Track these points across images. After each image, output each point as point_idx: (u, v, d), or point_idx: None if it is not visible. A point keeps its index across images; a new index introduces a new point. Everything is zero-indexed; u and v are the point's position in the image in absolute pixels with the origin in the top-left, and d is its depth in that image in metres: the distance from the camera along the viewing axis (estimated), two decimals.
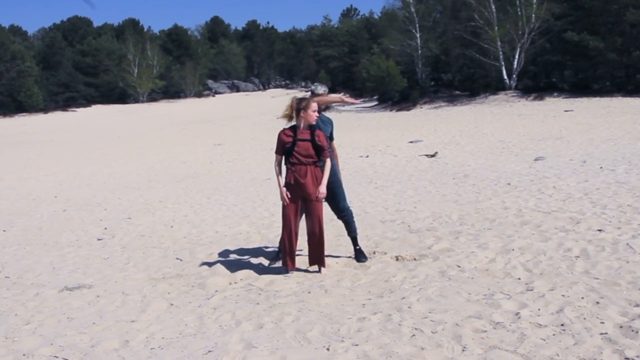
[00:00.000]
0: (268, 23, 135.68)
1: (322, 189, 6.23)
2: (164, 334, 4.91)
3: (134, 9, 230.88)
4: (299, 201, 6.28)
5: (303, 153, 6.20)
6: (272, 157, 6.79)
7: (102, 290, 6.38)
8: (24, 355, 4.67)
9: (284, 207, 6.31)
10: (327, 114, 7.41)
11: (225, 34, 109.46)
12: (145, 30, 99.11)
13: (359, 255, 6.75)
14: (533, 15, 35.60)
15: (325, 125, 6.73)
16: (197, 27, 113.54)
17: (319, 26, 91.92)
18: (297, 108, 6.22)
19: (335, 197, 6.68)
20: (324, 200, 6.37)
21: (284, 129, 6.31)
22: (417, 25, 45.37)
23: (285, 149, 6.24)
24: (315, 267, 6.43)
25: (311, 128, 6.26)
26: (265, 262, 6.99)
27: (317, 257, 6.37)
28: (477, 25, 37.06)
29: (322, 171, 6.28)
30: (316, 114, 6.25)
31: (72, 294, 6.30)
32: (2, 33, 73.26)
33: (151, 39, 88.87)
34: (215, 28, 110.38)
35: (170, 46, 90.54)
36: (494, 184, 11.14)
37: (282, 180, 6.28)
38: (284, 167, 6.36)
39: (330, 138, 6.80)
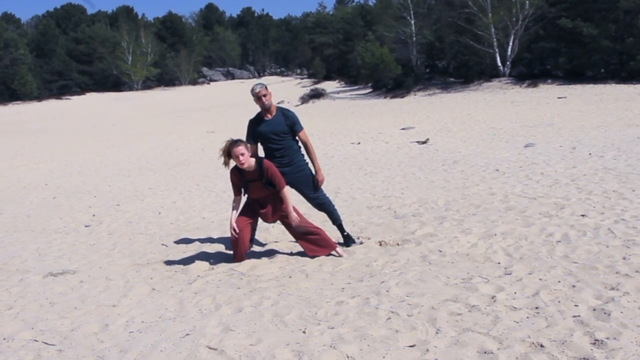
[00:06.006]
0: (263, 10, 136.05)
1: (293, 216, 6.15)
2: (143, 318, 4.94)
3: None
4: (256, 217, 6.36)
5: (257, 191, 6.17)
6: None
7: (86, 275, 6.40)
8: (4, 339, 4.69)
9: (239, 216, 6.30)
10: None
11: (220, 22, 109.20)
12: (140, 17, 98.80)
13: (348, 241, 6.76)
14: (527, 1, 35.50)
15: (285, 119, 6.56)
16: (192, 14, 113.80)
17: (314, 13, 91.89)
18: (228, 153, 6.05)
19: (307, 195, 6.65)
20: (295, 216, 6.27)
21: (232, 169, 6.21)
22: (411, 12, 45.30)
23: (239, 189, 6.23)
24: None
25: (258, 164, 6.09)
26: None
27: (325, 249, 6.31)
28: (471, 12, 36.96)
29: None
30: (242, 157, 5.98)
31: (56, 279, 6.33)
32: None
33: (145, 27, 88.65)
34: (210, 15, 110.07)
35: (165, 33, 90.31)
36: (483, 170, 11.17)
37: (235, 216, 6.26)
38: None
39: (297, 130, 6.59)
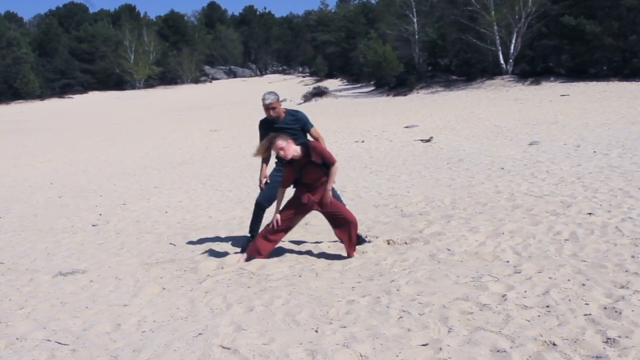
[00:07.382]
0: (265, 8, 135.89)
1: (329, 195, 6.03)
2: (155, 317, 4.96)
3: None
4: (297, 218, 6.30)
5: (313, 176, 6.00)
6: None
7: (95, 275, 6.42)
8: (17, 339, 4.71)
9: (294, 210, 6.20)
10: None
11: (222, 20, 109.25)
12: (142, 16, 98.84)
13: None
14: None
15: (294, 121, 6.61)
16: (194, 12, 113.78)
17: (316, 11, 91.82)
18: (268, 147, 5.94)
19: None
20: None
21: (285, 164, 6.03)
22: (414, 9, 45.34)
23: (289, 183, 6.11)
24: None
25: (303, 150, 5.92)
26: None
27: (352, 245, 6.25)
28: (474, 9, 36.91)
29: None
30: (281, 152, 5.84)
31: (66, 279, 6.35)
32: None
33: (147, 25, 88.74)
34: (212, 14, 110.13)
35: (167, 32, 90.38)
36: (488, 168, 11.18)
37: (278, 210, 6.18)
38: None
39: (308, 128, 6.67)
